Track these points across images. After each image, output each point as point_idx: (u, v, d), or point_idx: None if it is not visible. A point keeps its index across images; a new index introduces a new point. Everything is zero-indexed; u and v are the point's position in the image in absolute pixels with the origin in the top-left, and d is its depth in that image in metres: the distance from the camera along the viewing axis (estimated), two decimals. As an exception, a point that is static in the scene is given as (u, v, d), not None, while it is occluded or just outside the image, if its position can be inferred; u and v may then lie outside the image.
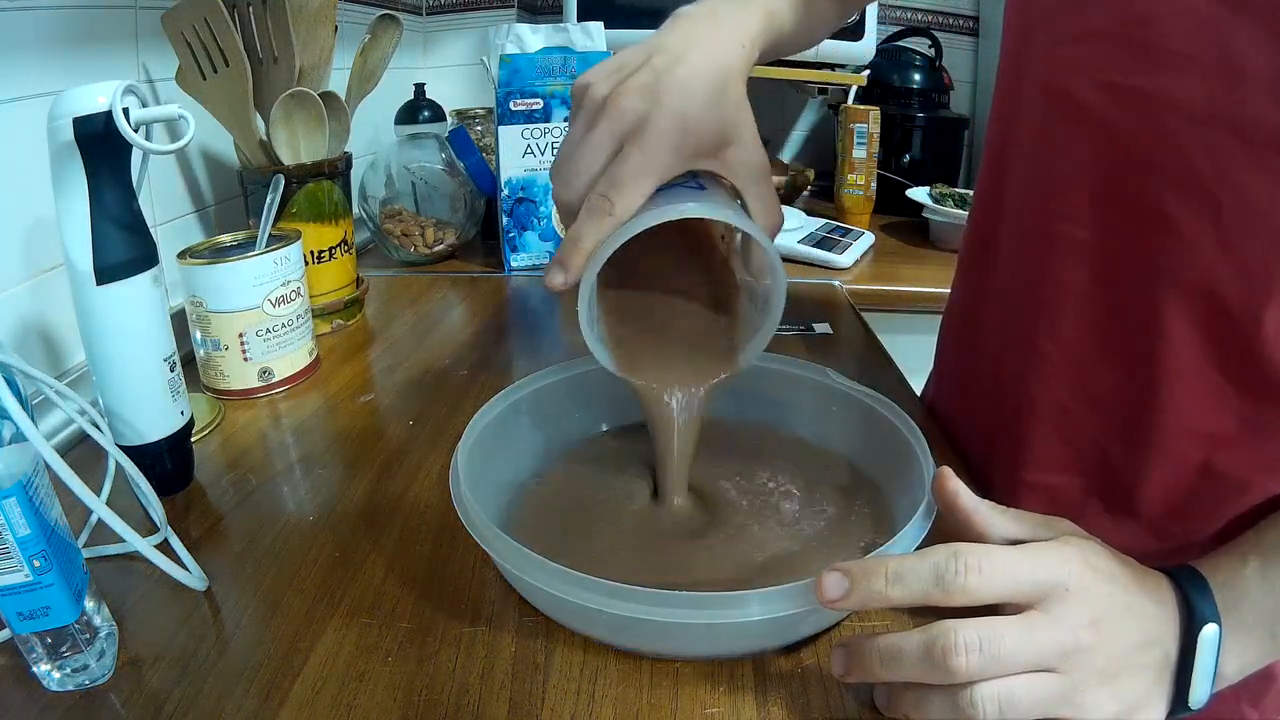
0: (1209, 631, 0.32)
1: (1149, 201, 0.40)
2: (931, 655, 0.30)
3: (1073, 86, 0.43)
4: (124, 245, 0.45)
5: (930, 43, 1.40)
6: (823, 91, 1.38)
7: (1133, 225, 0.41)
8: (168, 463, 0.49)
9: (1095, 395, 0.45)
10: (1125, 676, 0.32)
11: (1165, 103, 0.38)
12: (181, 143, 0.45)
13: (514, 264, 0.94)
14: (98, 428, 0.41)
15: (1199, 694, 0.33)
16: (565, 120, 0.89)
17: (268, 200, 0.63)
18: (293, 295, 0.62)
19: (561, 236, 0.94)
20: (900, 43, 1.43)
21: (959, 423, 0.58)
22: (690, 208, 0.37)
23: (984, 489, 0.51)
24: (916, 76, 1.35)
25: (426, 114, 1.06)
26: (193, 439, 0.52)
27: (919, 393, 0.67)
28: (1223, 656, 0.33)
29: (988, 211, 0.53)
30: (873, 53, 1.21)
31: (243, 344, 0.60)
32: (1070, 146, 0.44)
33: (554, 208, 0.92)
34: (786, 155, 1.57)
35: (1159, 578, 0.35)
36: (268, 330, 0.61)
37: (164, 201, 0.72)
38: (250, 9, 0.66)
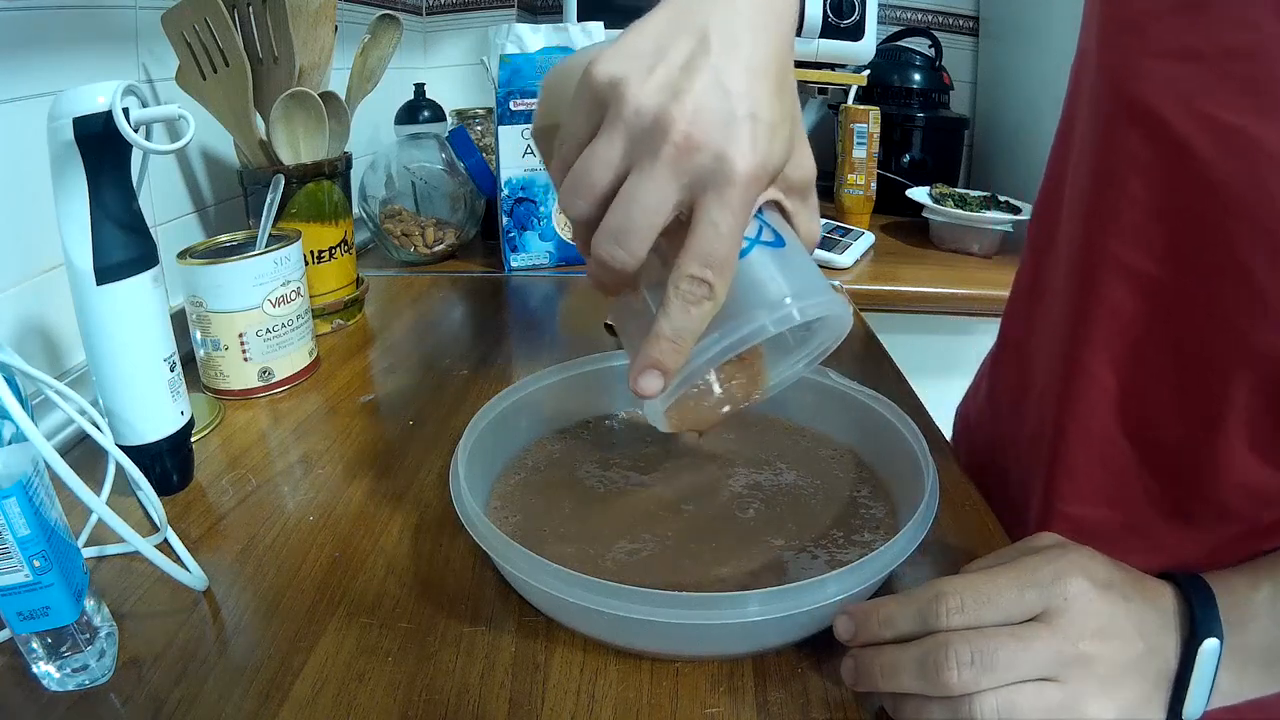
0: (1210, 645, 0.32)
1: (1229, 249, 0.36)
2: (925, 670, 0.30)
3: (1161, 106, 0.38)
4: (124, 245, 0.45)
5: (930, 43, 1.40)
6: (822, 91, 1.38)
7: (1206, 268, 0.38)
8: (168, 463, 0.49)
9: (1146, 433, 0.43)
10: (1125, 684, 0.32)
11: (1271, 153, 0.34)
12: (181, 143, 0.45)
13: (514, 264, 0.94)
14: (98, 428, 0.41)
15: (1194, 707, 0.32)
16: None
17: (268, 200, 0.63)
18: (293, 295, 0.62)
19: (562, 237, 0.94)
20: (900, 43, 1.43)
21: (998, 441, 0.56)
22: (802, 307, 0.33)
23: (1018, 515, 0.50)
24: (916, 76, 1.35)
25: (426, 114, 1.06)
26: (193, 439, 0.52)
27: (956, 406, 0.66)
28: (1220, 673, 0.32)
29: (1047, 220, 0.50)
30: (873, 53, 1.21)
31: (243, 344, 0.60)
32: (1147, 168, 0.40)
33: (554, 208, 0.92)
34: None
35: (1161, 586, 0.34)
36: (268, 330, 0.61)
37: (164, 201, 0.72)
38: (250, 9, 0.66)
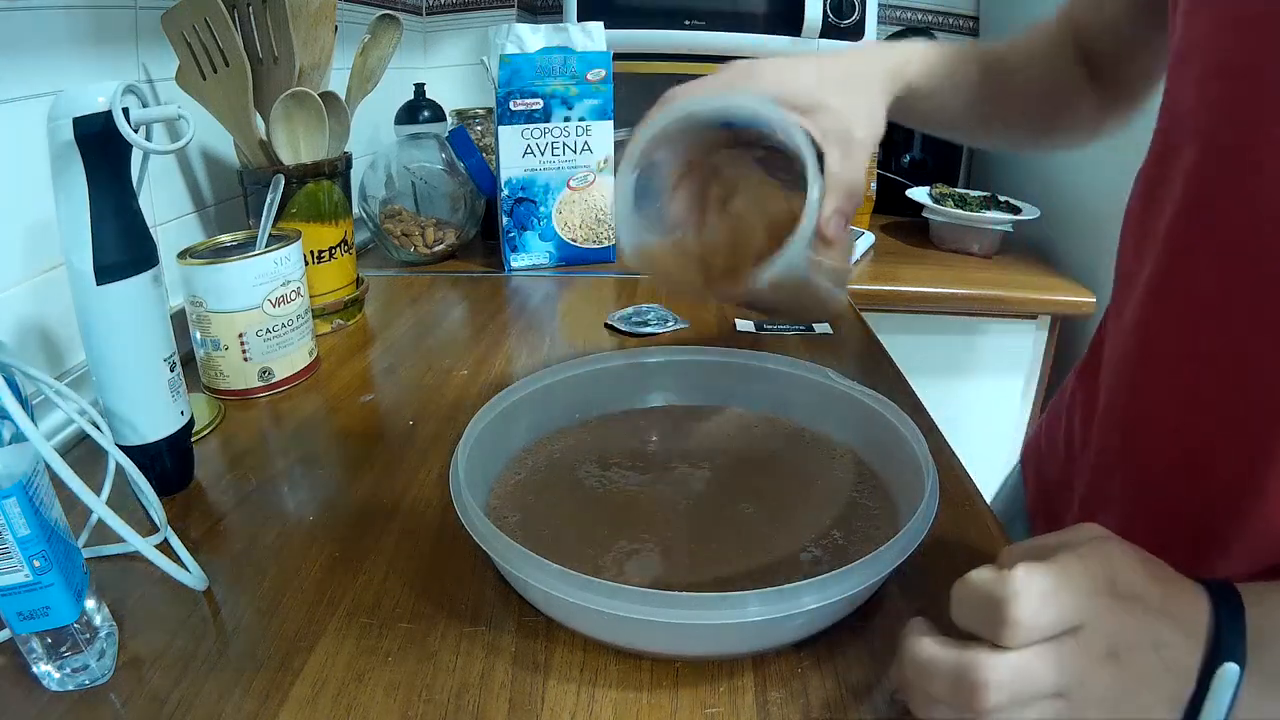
0: (1228, 672, 0.30)
1: None
2: (960, 687, 0.29)
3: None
4: (124, 245, 0.45)
5: (930, 43, 1.40)
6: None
7: None
8: (168, 463, 0.49)
9: (1197, 460, 0.41)
10: (1135, 705, 0.31)
11: None
12: (181, 143, 0.45)
13: (514, 264, 0.94)
14: (98, 428, 0.41)
15: None
16: (565, 119, 0.89)
17: (268, 200, 0.63)
18: (293, 295, 0.62)
19: (562, 237, 0.94)
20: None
21: (1051, 453, 0.56)
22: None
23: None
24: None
25: (426, 114, 1.06)
26: (193, 439, 0.52)
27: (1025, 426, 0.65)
28: (1243, 694, 0.31)
29: (1132, 235, 0.48)
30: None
31: (243, 344, 0.60)
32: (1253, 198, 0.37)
33: (554, 208, 0.92)
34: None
35: (1193, 595, 0.32)
36: (268, 330, 0.61)
37: (164, 201, 0.72)
38: (250, 9, 0.66)
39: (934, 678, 0.31)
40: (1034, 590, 0.29)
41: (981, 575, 0.30)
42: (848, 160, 0.45)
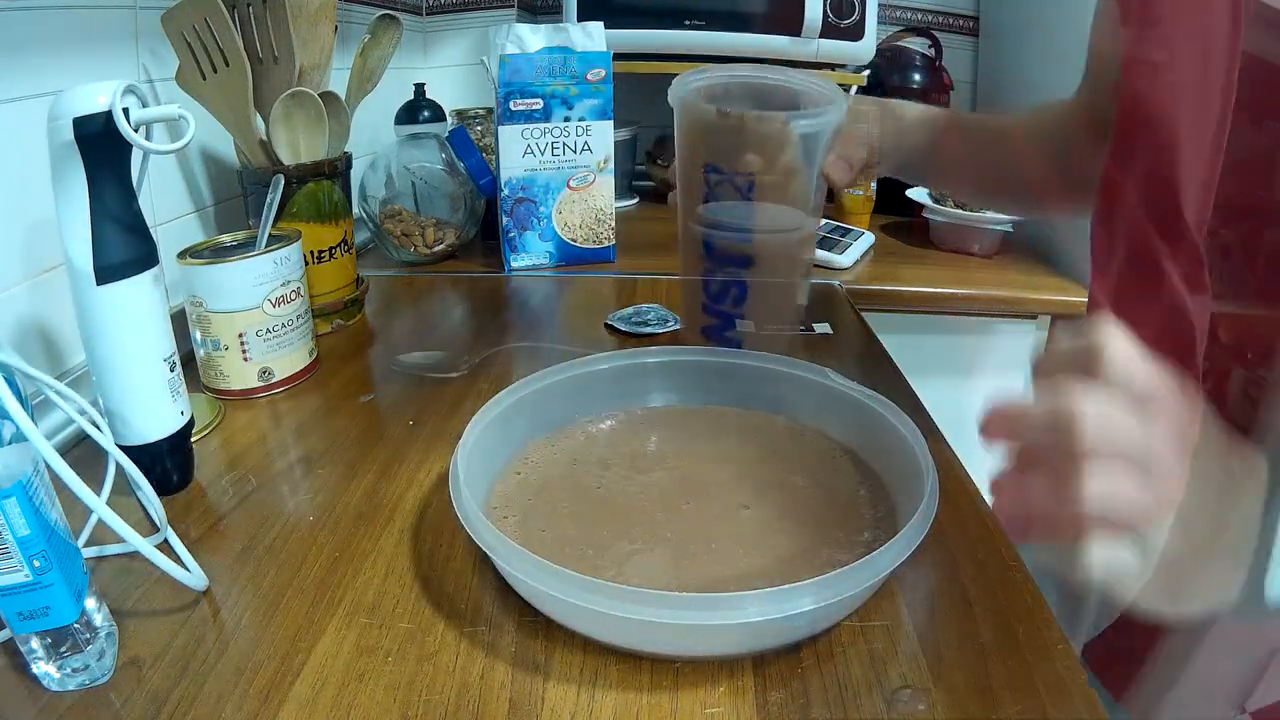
0: None
1: None
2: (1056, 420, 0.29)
3: None
4: (124, 245, 0.45)
5: (930, 43, 1.40)
6: (823, 91, 1.38)
7: None
8: (168, 463, 0.49)
9: None
10: (1197, 522, 0.30)
11: None
12: (181, 143, 0.45)
13: (514, 264, 0.94)
14: (98, 428, 0.41)
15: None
16: (565, 120, 0.89)
17: (268, 200, 0.63)
18: (293, 295, 0.62)
19: (562, 237, 0.94)
20: (900, 43, 1.43)
21: None
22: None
23: None
24: (916, 76, 1.35)
25: (426, 114, 1.06)
26: (193, 439, 0.52)
27: None
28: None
29: None
30: (873, 53, 1.21)
31: (243, 344, 0.60)
32: None
33: (554, 208, 0.92)
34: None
35: (1257, 456, 0.33)
36: (268, 330, 0.61)
37: (164, 201, 0.72)
38: (250, 9, 0.66)
39: (1027, 419, 0.30)
40: (1121, 340, 0.30)
41: (1061, 344, 0.31)
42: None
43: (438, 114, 1.07)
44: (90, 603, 0.35)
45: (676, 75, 0.59)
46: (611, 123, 0.91)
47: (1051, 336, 0.38)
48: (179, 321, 0.55)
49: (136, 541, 0.37)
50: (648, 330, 0.74)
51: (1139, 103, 0.40)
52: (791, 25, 1.14)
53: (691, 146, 0.60)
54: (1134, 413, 0.29)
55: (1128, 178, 0.42)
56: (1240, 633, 0.33)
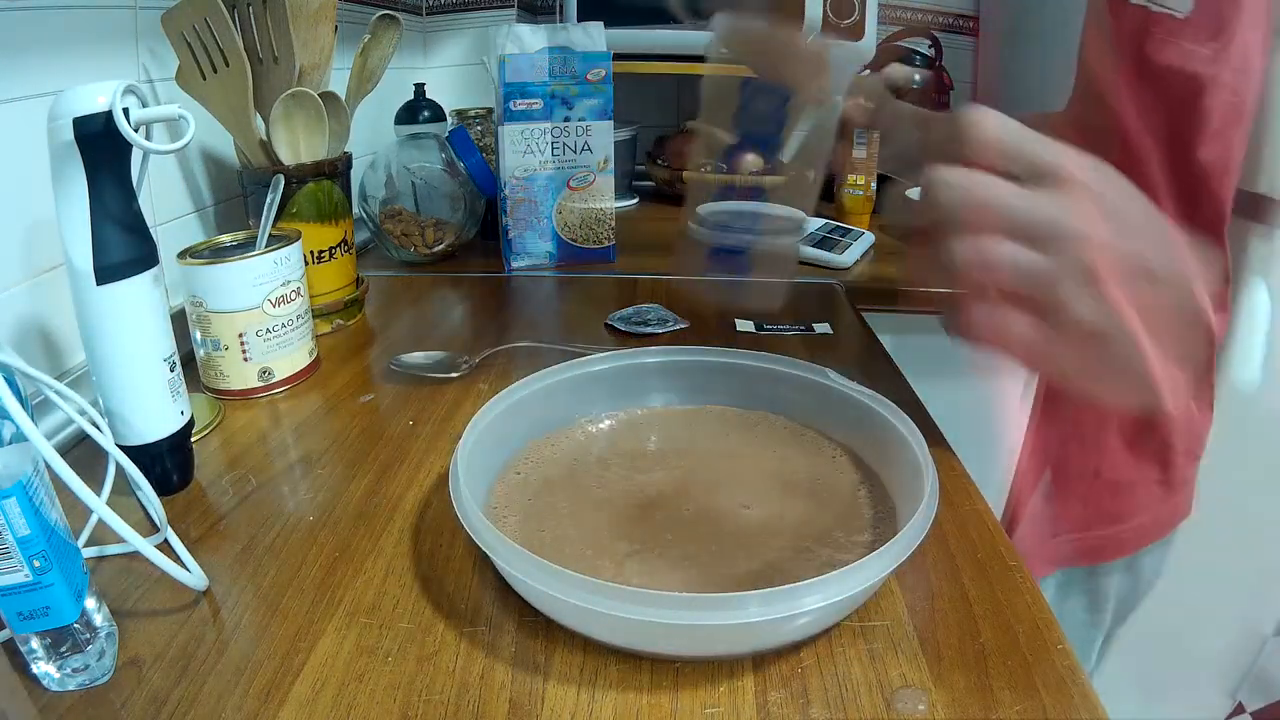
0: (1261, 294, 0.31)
1: None
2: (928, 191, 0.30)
3: None
4: (124, 245, 0.45)
5: (930, 43, 1.40)
6: (823, 91, 1.38)
7: None
8: (168, 463, 0.49)
9: None
10: (1122, 289, 0.29)
11: None
12: (181, 143, 0.45)
13: (514, 264, 0.94)
14: (98, 428, 0.41)
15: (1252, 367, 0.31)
16: (565, 120, 0.89)
17: (268, 200, 0.63)
18: (293, 295, 0.62)
19: (562, 237, 0.94)
20: (900, 43, 1.43)
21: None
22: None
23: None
24: (916, 76, 1.35)
25: (426, 114, 1.06)
26: (193, 439, 0.52)
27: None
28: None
29: None
30: (873, 52, 1.21)
31: (243, 344, 0.60)
32: None
33: (554, 209, 0.92)
34: (787, 156, 1.57)
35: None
36: (268, 330, 0.61)
37: (164, 201, 0.72)
38: (250, 9, 0.66)
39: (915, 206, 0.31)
40: (992, 118, 0.30)
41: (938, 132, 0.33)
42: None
43: (438, 114, 1.07)
44: (90, 603, 0.35)
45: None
46: (611, 123, 0.91)
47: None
48: (179, 321, 0.55)
49: (136, 541, 0.37)
50: (648, 330, 0.74)
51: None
52: (791, 24, 1.14)
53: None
54: (1011, 183, 0.29)
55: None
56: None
